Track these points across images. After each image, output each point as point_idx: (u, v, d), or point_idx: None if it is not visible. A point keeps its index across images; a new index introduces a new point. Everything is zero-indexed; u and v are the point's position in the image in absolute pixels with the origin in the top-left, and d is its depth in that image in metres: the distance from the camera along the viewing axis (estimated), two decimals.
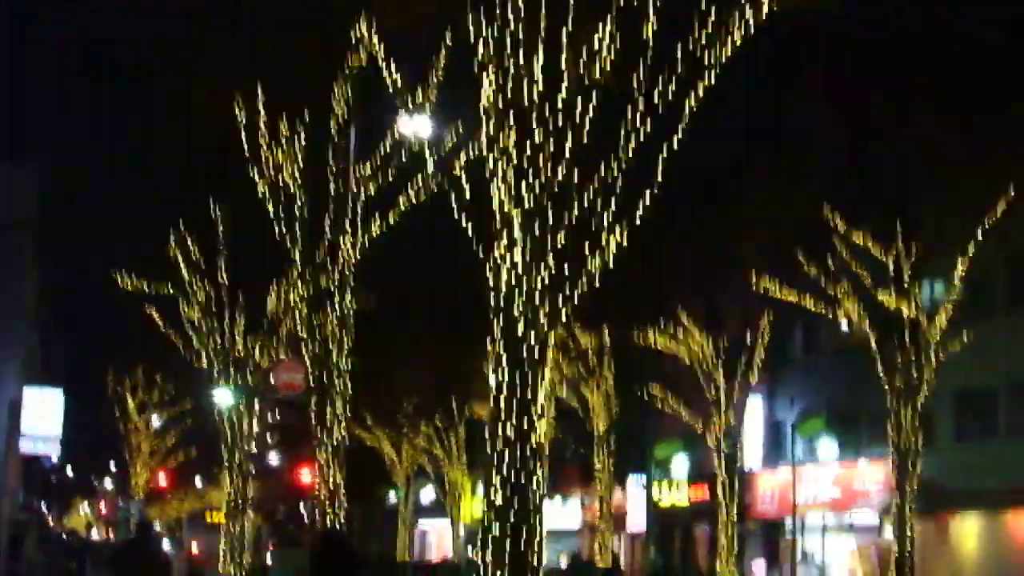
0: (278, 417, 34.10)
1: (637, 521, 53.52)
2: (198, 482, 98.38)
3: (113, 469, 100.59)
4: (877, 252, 30.97)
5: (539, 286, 13.99)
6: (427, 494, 69.84)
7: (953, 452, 35.80)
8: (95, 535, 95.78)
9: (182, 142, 33.13)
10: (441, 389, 55.33)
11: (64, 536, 70.01)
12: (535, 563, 14.04)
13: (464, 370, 49.64)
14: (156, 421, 68.28)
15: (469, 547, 63.28)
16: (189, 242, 32.97)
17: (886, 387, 30.90)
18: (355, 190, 22.59)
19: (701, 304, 41.21)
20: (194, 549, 62.37)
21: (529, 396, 13.85)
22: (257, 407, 33.61)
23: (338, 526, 21.87)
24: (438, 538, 76.10)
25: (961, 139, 29.11)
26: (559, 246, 14.24)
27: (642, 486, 53.61)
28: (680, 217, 37.11)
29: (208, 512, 65.33)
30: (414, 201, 21.95)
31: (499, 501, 13.97)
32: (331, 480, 21.93)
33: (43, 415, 46.20)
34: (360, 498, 54.16)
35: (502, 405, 14.00)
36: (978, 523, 35.86)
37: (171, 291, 33.44)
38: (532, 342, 13.99)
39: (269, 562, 30.54)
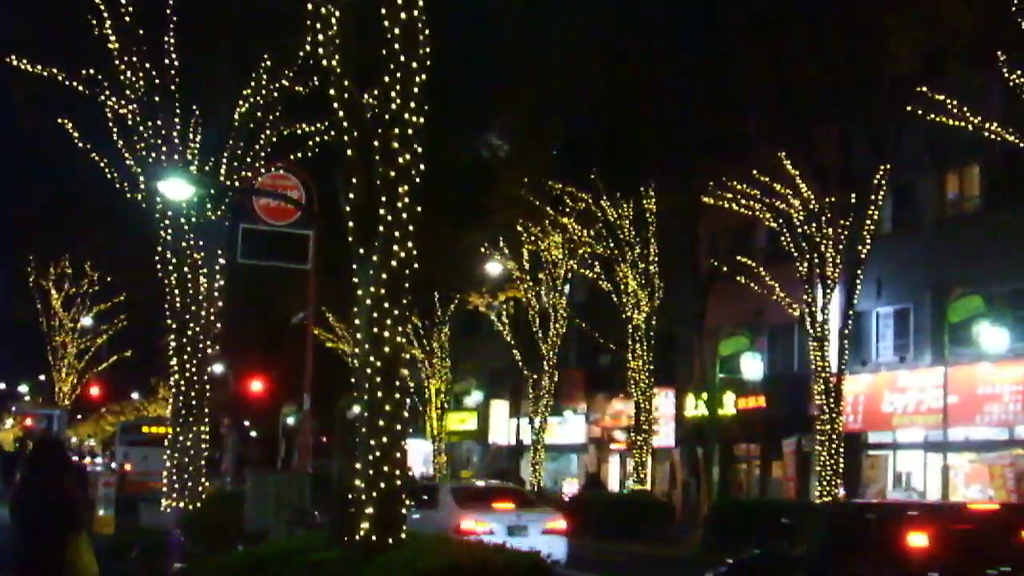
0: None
1: (665, 435, 43.98)
2: (135, 395, 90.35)
3: (42, 378, 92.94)
4: None
5: None
6: None
7: None
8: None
9: None
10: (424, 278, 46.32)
11: None
12: None
13: (454, 253, 42.16)
14: (86, 320, 61.24)
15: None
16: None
17: None
18: None
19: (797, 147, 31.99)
20: (127, 467, 53.12)
21: None
22: (220, 258, 22.34)
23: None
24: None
25: None
26: None
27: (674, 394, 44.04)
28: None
29: (144, 426, 56.72)
30: None
31: None
32: (388, 321, 11.52)
33: None
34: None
35: None
36: None
37: (93, 79, 21.45)
38: None
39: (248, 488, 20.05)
